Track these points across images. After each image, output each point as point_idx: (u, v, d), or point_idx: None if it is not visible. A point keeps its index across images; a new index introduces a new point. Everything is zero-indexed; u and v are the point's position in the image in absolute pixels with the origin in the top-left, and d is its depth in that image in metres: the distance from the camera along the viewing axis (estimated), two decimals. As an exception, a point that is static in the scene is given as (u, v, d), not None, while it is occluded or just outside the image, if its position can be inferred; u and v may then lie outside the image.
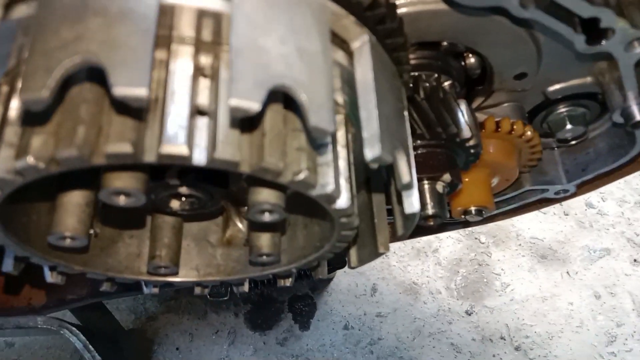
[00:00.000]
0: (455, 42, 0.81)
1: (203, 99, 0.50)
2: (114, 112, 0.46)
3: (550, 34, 0.73)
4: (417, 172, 0.68)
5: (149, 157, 0.47)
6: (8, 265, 0.70)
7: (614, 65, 0.78)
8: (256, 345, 2.23)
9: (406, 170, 0.58)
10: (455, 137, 0.81)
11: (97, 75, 0.44)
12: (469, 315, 2.27)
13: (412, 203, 0.61)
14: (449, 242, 2.44)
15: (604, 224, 2.47)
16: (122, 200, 0.54)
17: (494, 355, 2.18)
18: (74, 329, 1.28)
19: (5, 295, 1.23)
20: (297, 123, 0.53)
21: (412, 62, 0.81)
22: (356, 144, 0.60)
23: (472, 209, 1.01)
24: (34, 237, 0.66)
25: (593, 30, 0.69)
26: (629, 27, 0.68)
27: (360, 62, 0.58)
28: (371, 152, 0.53)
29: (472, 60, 0.85)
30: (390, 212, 0.74)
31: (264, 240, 0.72)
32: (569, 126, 0.95)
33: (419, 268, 2.38)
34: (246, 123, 0.50)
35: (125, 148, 0.45)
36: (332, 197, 0.55)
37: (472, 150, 0.85)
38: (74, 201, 0.63)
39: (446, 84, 0.85)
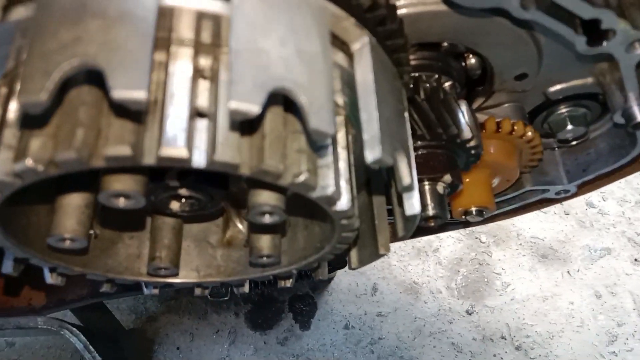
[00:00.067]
0: (455, 43, 0.80)
1: (202, 101, 0.50)
2: (113, 115, 0.46)
3: (551, 35, 0.72)
4: (418, 173, 0.68)
5: (149, 160, 0.47)
6: (8, 267, 0.70)
7: (615, 66, 0.78)
8: (257, 344, 2.23)
9: (407, 172, 0.58)
10: (455, 137, 0.81)
11: (96, 78, 0.44)
12: (470, 314, 2.27)
13: (412, 205, 0.61)
14: (449, 242, 2.44)
15: (604, 223, 2.46)
16: (121, 202, 0.54)
17: (494, 355, 2.18)
18: (74, 329, 1.28)
19: (5, 296, 1.23)
20: (297, 125, 0.52)
21: (413, 62, 0.81)
22: (357, 145, 0.59)
23: (473, 209, 1.01)
24: (33, 239, 0.65)
25: (594, 31, 0.69)
26: (630, 28, 0.67)
27: (361, 64, 0.57)
28: (372, 154, 0.53)
29: (472, 61, 0.85)
30: (390, 212, 0.73)
31: (264, 241, 0.72)
32: (569, 127, 0.95)
33: (419, 267, 2.38)
34: (246, 125, 0.50)
35: (125, 150, 0.45)
36: (333, 199, 0.55)
37: (472, 151, 0.84)
38: (74, 203, 0.63)
39: (447, 84, 0.85)
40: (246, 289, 0.85)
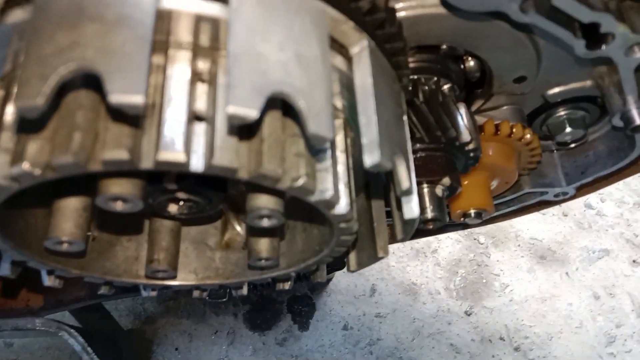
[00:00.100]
0: (454, 46, 0.80)
1: (201, 105, 0.50)
2: (111, 119, 0.46)
3: (550, 38, 0.72)
4: (417, 176, 0.68)
5: (146, 164, 0.47)
6: (5, 269, 0.70)
7: (614, 69, 0.78)
8: (255, 345, 2.23)
9: (405, 176, 0.57)
10: (454, 140, 0.81)
11: (93, 82, 0.44)
12: (468, 315, 2.27)
13: (411, 208, 0.61)
14: (448, 243, 2.44)
15: (603, 224, 2.46)
16: (119, 206, 0.54)
17: (493, 356, 2.18)
18: (72, 331, 1.28)
19: (3, 298, 1.23)
20: (295, 129, 0.52)
21: (411, 65, 0.81)
22: (355, 148, 0.59)
23: (472, 211, 1.01)
24: (31, 242, 0.65)
25: (593, 35, 0.69)
26: (629, 32, 0.67)
27: (359, 68, 0.57)
28: (370, 158, 0.53)
29: (471, 63, 0.85)
30: (389, 214, 0.73)
31: (263, 244, 0.72)
32: (568, 129, 0.95)
33: (418, 268, 2.38)
34: (244, 128, 0.50)
35: (122, 155, 0.45)
36: (331, 203, 0.55)
37: (471, 154, 0.84)
38: (71, 206, 0.63)
39: (445, 87, 0.85)
40: (244, 291, 0.85)
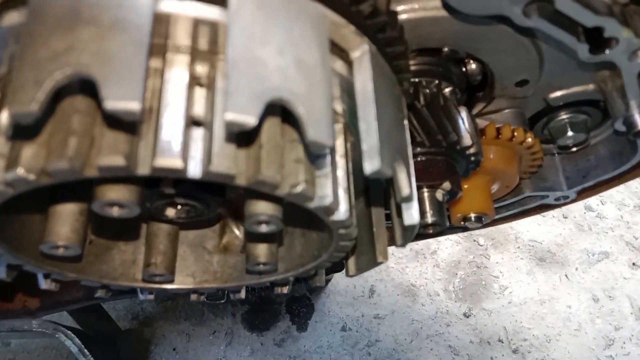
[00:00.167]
0: (456, 49, 0.79)
1: (199, 110, 0.49)
2: (107, 124, 0.45)
3: (553, 42, 0.72)
4: (417, 180, 0.67)
5: (143, 170, 0.46)
6: (1, 273, 0.69)
7: (617, 74, 0.77)
8: (253, 346, 2.22)
9: (406, 183, 0.57)
10: (455, 144, 0.80)
11: (89, 87, 0.43)
12: (467, 317, 2.27)
13: (411, 215, 0.60)
14: (447, 244, 2.44)
15: (603, 227, 2.46)
16: (115, 211, 0.53)
17: (491, 358, 2.18)
18: (69, 332, 1.27)
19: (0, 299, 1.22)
20: (295, 134, 0.51)
21: (413, 68, 0.80)
22: (355, 152, 0.59)
23: (472, 215, 1.00)
24: (27, 246, 0.64)
25: (596, 39, 0.68)
26: (633, 36, 0.66)
27: (360, 72, 0.56)
28: (370, 165, 0.52)
29: (473, 66, 0.84)
30: (388, 217, 0.73)
31: (261, 249, 0.71)
32: (570, 133, 0.94)
33: (417, 270, 2.38)
34: (243, 134, 0.49)
35: (118, 161, 0.44)
36: (330, 209, 0.54)
37: (472, 158, 0.83)
38: (67, 210, 0.62)
39: (447, 90, 0.84)
40: (242, 294, 0.85)
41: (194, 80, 0.50)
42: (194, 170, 0.46)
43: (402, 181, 0.57)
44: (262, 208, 0.55)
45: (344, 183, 0.56)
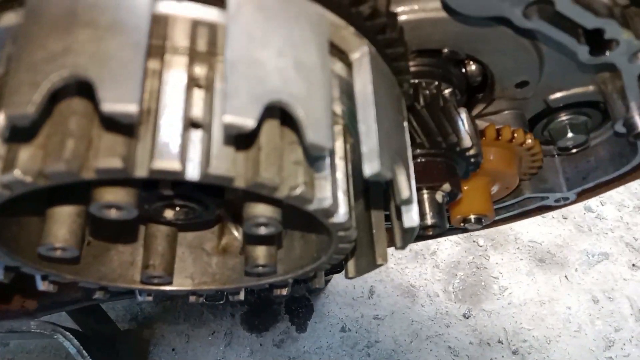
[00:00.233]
0: (456, 50, 0.79)
1: (197, 111, 0.49)
2: (105, 126, 0.45)
3: (553, 43, 0.71)
4: (417, 182, 0.67)
5: (141, 172, 0.46)
6: (-2, 274, 0.69)
7: (617, 75, 0.77)
8: (253, 346, 2.22)
9: (405, 185, 0.56)
10: (455, 146, 0.80)
11: (87, 88, 0.43)
12: (467, 318, 2.27)
13: (411, 217, 0.60)
14: (447, 245, 2.43)
15: (602, 228, 2.46)
16: (113, 213, 0.53)
17: (491, 359, 2.17)
18: (67, 333, 1.26)
19: (-2, 300, 1.22)
20: (294, 136, 0.51)
21: (412, 69, 0.80)
22: (355, 154, 0.58)
23: (472, 217, 1.00)
24: (24, 247, 0.64)
25: (597, 41, 0.68)
26: (633, 38, 0.66)
27: (360, 74, 0.56)
28: (370, 168, 0.52)
29: (473, 67, 0.84)
30: (388, 218, 0.72)
31: (260, 251, 0.71)
32: (570, 134, 0.94)
33: (416, 271, 2.38)
34: (242, 136, 0.48)
35: (116, 163, 0.44)
36: (330, 212, 0.54)
37: (472, 160, 0.83)
38: (65, 212, 0.62)
39: (446, 91, 0.84)
40: (241, 296, 0.84)
41: (193, 82, 0.50)
42: (192, 172, 0.46)
43: (402, 184, 0.56)
44: (261, 210, 0.55)
45: (344, 185, 0.56)
